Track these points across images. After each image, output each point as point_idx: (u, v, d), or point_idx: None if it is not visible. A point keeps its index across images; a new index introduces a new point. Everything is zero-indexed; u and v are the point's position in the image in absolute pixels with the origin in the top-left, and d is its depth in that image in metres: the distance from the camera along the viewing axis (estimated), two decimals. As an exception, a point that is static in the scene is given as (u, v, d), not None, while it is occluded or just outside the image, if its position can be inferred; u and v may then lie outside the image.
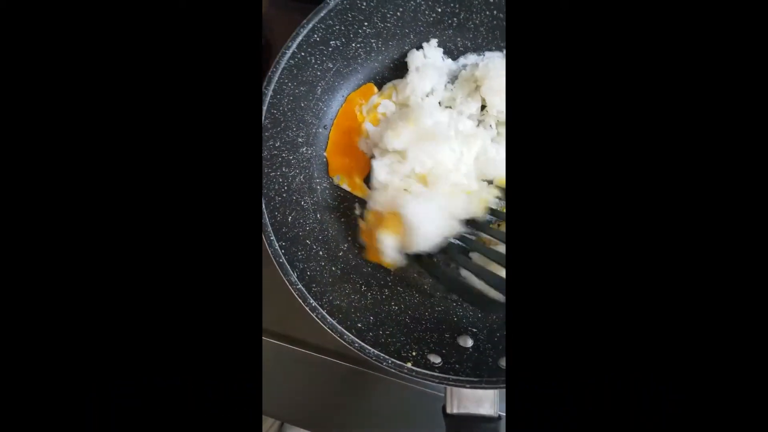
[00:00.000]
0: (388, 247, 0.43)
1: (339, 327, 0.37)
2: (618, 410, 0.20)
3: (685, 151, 0.20)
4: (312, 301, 0.38)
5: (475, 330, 0.44)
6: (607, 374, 0.20)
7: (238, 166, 0.24)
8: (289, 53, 0.42)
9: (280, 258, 0.38)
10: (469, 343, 0.43)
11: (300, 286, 0.38)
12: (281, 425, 0.71)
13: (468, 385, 0.36)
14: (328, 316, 0.38)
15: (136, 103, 0.23)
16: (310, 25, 0.43)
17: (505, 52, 0.49)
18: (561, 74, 0.22)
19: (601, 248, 0.21)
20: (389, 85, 0.51)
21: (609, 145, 0.21)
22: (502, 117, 0.47)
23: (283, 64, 0.42)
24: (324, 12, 0.43)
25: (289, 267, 0.38)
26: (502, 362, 0.39)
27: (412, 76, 0.48)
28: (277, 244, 0.39)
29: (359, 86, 0.51)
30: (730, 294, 0.19)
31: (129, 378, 0.22)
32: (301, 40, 0.42)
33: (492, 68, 0.46)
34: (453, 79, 0.51)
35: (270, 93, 0.41)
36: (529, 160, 0.22)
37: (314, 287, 0.40)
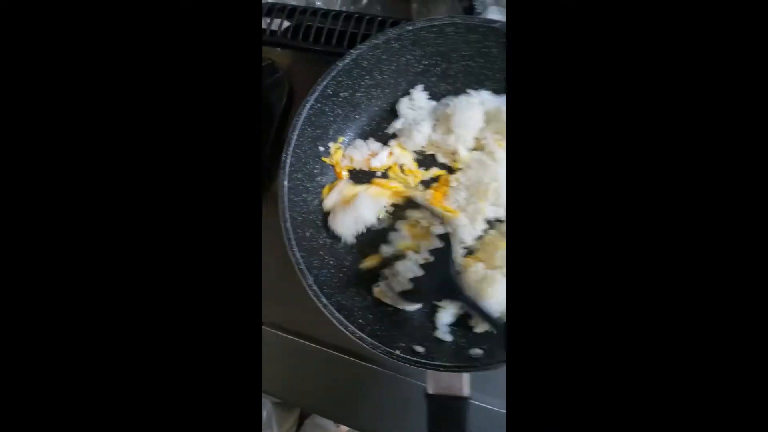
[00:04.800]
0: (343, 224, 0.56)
1: (344, 321, 0.48)
2: (618, 410, 0.20)
3: (687, 157, 0.20)
4: (324, 299, 0.48)
5: (454, 328, 0.54)
6: (607, 374, 0.20)
7: (238, 161, 0.24)
8: (308, 105, 0.54)
9: (301, 265, 0.49)
10: (448, 338, 0.53)
11: (315, 287, 0.49)
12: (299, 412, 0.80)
13: (442, 369, 0.46)
14: (335, 311, 0.48)
15: (135, 106, 0.23)
16: (324, 82, 0.54)
17: (474, 90, 0.58)
18: (561, 76, 0.22)
19: (601, 248, 0.21)
20: (395, 142, 0.61)
21: (608, 146, 0.21)
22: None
23: (303, 114, 0.53)
24: (335, 72, 0.55)
25: (307, 272, 0.49)
26: (473, 351, 0.49)
27: (418, 129, 0.59)
28: (298, 254, 0.49)
29: (362, 127, 0.62)
30: (731, 294, 0.19)
31: (129, 378, 0.22)
32: (318, 94, 0.54)
33: (459, 104, 0.57)
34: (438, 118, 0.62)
35: (294, 138, 0.53)
36: (529, 162, 0.22)
37: (325, 289, 0.50)
